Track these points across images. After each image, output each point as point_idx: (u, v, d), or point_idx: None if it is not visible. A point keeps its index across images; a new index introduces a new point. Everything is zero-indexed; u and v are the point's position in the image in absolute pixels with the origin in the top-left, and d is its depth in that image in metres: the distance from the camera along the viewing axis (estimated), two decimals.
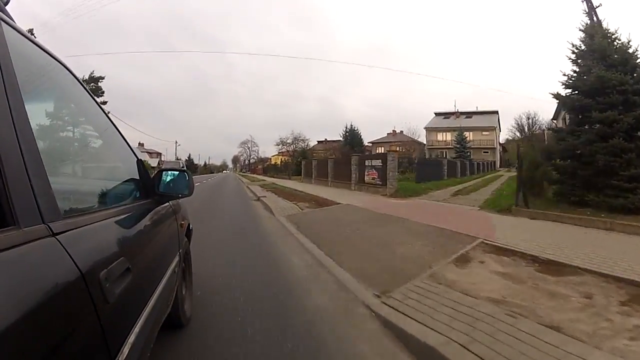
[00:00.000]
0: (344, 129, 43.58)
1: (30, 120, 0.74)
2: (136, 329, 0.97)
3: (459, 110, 44.94)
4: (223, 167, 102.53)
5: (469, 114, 44.13)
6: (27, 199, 0.67)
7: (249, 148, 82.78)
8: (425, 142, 43.83)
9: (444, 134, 43.05)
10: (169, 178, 1.69)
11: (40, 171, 0.74)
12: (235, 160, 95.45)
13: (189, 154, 74.24)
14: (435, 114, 46.21)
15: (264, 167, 59.79)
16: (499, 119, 43.44)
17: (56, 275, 0.67)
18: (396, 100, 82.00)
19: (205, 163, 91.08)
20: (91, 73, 25.36)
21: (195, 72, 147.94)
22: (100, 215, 1.00)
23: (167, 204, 1.81)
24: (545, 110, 39.28)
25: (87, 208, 1.08)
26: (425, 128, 44.12)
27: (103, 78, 24.34)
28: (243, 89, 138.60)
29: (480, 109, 43.95)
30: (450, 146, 38.89)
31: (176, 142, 64.47)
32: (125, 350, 0.87)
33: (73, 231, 0.78)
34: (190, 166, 61.75)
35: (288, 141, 51.65)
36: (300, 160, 31.99)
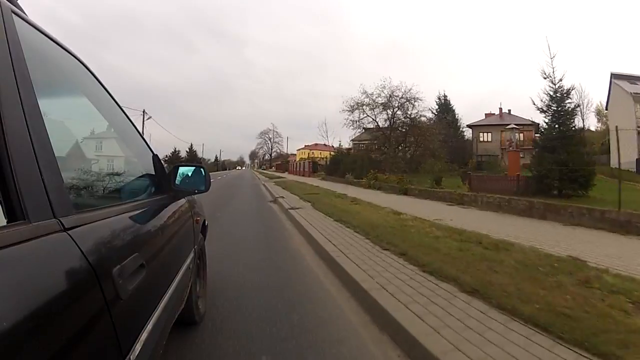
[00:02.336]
0: (437, 99, 28.77)
1: (42, 114, 0.73)
2: (149, 326, 0.96)
3: None
4: (239, 163, 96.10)
5: None
6: (38, 193, 0.66)
7: (270, 139, 69.80)
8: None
9: None
10: (184, 174, 1.69)
11: (52, 165, 0.73)
12: (253, 155, 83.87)
13: (191, 144, 56.82)
14: (613, 75, 25.58)
15: (328, 161, 31.15)
16: None
17: (67, 270, 0.66)
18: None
19: (216, 158, 74.58)
20: None
21: (212, 69, 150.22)
22: (114, 211, 0.99)
23: (182, 199, 1.81)
24: None
25: (101, 203, 1.07)
26: (633, 94, 22.65)
27: None
28: (261, 86, 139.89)
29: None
30: None
31: (144, 111, 32.16)
32: (138, 347, 0.86)
33: (85, 226, 0.77)
34: (190, 161, 27.46)
35: (378, 100, 23.23)
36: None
